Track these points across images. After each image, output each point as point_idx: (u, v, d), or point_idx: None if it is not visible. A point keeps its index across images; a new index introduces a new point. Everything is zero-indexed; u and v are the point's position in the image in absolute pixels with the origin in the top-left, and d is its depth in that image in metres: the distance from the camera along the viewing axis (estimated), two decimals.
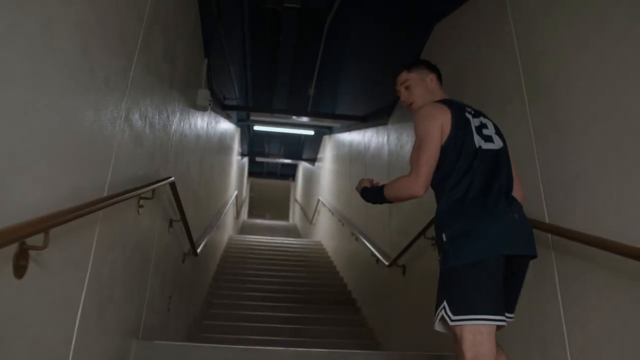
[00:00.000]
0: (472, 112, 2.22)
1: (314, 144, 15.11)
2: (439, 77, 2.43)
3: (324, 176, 12.60)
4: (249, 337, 5.67)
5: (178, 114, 4.02)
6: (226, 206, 9.40)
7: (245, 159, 17.41)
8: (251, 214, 25.46)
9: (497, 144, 2.16)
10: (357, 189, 2.48)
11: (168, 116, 3.64)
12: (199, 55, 5.00)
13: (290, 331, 5.98)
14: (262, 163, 20.60)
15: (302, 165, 19.02)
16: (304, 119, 8.75)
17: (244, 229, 16.47)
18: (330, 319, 6.48)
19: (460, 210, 2.00)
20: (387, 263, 5.34)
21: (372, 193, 2.34)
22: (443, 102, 2.20)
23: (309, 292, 7.54)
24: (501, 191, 2.05)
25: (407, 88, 2.38)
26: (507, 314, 1.99)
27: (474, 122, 2.16)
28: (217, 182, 7.57)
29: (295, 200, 21.05)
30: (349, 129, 9.14)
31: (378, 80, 6.97)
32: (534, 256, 2.06)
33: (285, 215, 25.73)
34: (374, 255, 6.09)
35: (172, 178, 3.57)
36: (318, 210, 12.78)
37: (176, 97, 3.92)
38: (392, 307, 5.34)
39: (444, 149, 2.07)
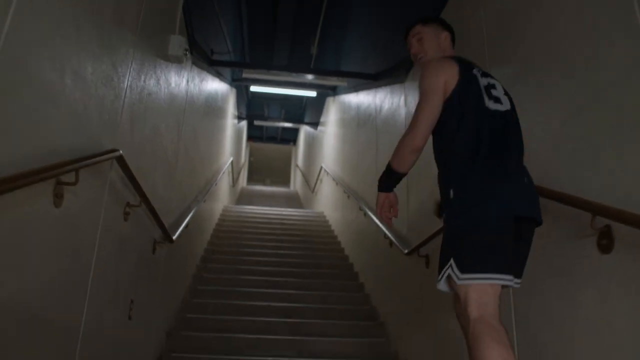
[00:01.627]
0: (480, 71, 2.14)
1: (317, 106, 14.08)
2: (453, 37, 2.37)
3: (327, 142, 11.59)
4: (240, 336, 4.78)
5: (134, 65, 3.01)
6: (218, 175, 8.44)
7: (244, 123, 16.39)
8: (251, 179, 24.58)
9: (505, 105, 2.09)
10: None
11: (114, 66, 2.64)
12: None
13: (288, 327, 5.09)
14: (261, 127, 19.64)
15: (304, 130, 17.99)
16: (308, 77, 7.70)
17: (242, 197, 15.55)
18: (335, 311, 5.59)
19: (470, 170, 1.95)
20: (405, 250, 4.39)
21: (383, 174, 2.25)
22: (452, 57, 2.14)
23: (311, 276, 6.63)
24: (512, 152, 2.02)
25: (419, 40, 2.32)
26: (515, 279, 1.97)
27: (482, 82, 2.08)
28: (204, 149, 6.59)
29: (297, 166, 20.07)
30: (355, 89, 8.10)
31: (393, 33, 5.93)
32: (540, 222, 2.03)
33: (286, 181, 24.82)
34: (387, 238, 5.16)
35: (120, 151, 2.60)
36: (320, 179, 11.82)
37: (129, 41, 2.91)
38: (412, 306, 4.42)
39: (448, 106, 2.01)
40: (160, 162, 3.91)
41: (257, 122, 16.55)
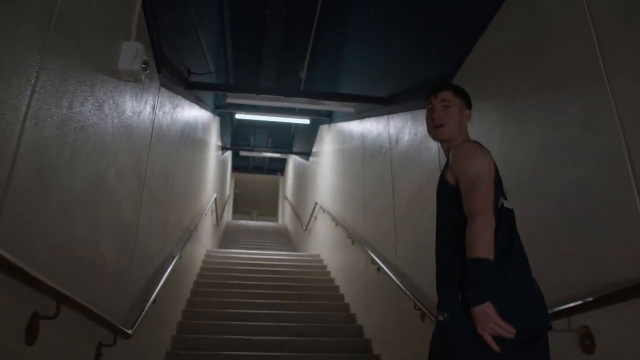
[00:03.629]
0: None
1: (308, 135, 12.92)
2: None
3: (322, 175, 10.37)
4: None
5: (44, 82, 1.78)
6: (200, 217, 7.18)
7: (228, 153, 15.16)
8: (236, 211, 23.29)
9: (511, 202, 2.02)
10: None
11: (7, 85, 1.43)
12: None
13: None
14: (247, 157, 18.49)
15: (293, 160, 16.81)
16: (301, 102, 6.49)
17: (226, 235, 14.23)
18: None
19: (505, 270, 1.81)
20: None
21: (475, 280, 1.71)
22: (482, 146, 2.05)
23: (313, 344, 5.36)
24: (521, 256, 1.92)
25: (445, 107, 2.10)
26: None
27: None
28: (180, 191, 5.35)
29: (285, 197, 18.82)
30: (359, 116, 6.93)
31: (414, 49, 4.79)
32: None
33: (273, 213, 23.55)
34: (418, 309, 3.94)
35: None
36: (315, 216, 10.57)
37: (31, 42, 1.69)
38: None
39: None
40: (107, 228, 2.68)
41: (243, 153, 15.36)
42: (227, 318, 6.05)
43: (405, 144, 4.79)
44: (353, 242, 6.46)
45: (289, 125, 15.32)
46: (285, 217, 19.12)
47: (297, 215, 14.10)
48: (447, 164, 2.04)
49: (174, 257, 4.89)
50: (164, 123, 4.12)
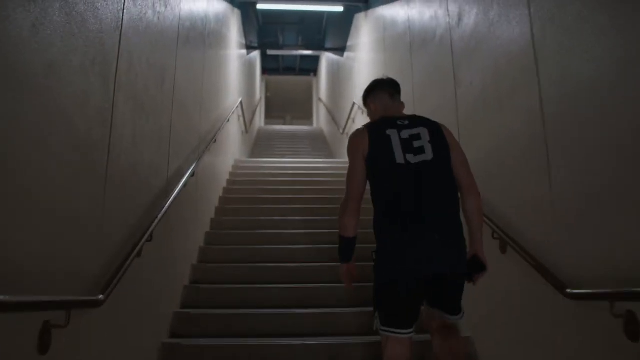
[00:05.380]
0: (406, 123, 2.36)
1: (341, 28, 11.60)
2: (394, 90, 2.69)
3: (359, 72, 9.17)
4: None
5: None
6: (219, 125, 6.22)
7: (256, 54, 13.96)
8: (269, 116, 22.33)
9: (428, 154, 2.23)
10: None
11: None
12: None
13: None
14: (277, 57, 17.27)
15: (326, 57, 15.51)
16: None
17: (259, 141, 13.36)
18: None
19: (377, 227, 2.29)
20: (568, 290, 2.20)
21: (339, 248, 2.54)
22: (369, 124, 2.46)
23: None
24: (417, 209, 2.16)
25: (369, 112, 2.73)
26: (449, 316, 2.36)
27: (402, 135, 2.28)
28: (188, 96, 4.35)
29: (319, 99, 17.66)
30: None
31: None
32: (461, 273, 2.25)
33: (308, 116, 22.49)
34: (497, 237, 3.00)
35: None
36: (352, 118, 9.50)
37: None
38: None
39: (367, 170, 2.31)
40: (43, 151, 1.73)
41: (271, 52, 14.17)
42: (255, 241, 5.24)
43: (471, 23, 3.62)
44: None
45: (320, 19, 13.93)
46: (320, 120, 18.06)
47: (333, 118, 13.02)
48: None
49: (184, 175, 4.00)
50: (150, 8, 3.05)
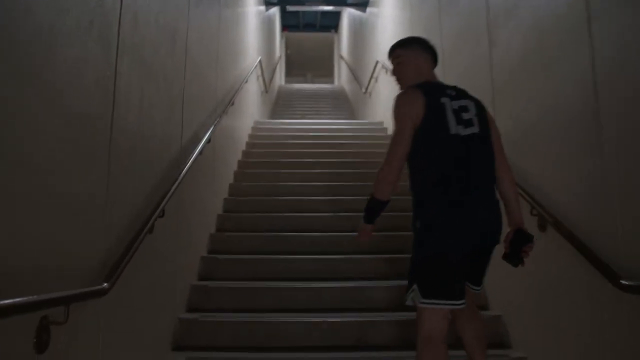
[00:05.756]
0: (454, 93, 2.26)
1: None
2: (435, 59, 2.47)
3: (383, 28, 8.77)
4: None
5: None
6: (237, 86, 5.97)
7: (275, 10, 13.54)
8: (290, 73, 21.96)
9: (475, 127, 2.18)
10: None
11: None
12: None
13: None
14: (297, 13, 16.78)
15: (348, 13, 15.00)
16: None
17: (279, 100, 13.09)
18: None
19: (426, 197, 2.17)
20: (623, 281, 1.97)
21: (366, 205, 2.38)
22: (421, 86, 2.23)
23: (386, 244, 4.31)
24: (467, 181, 2.12)
25: (398, 64, 2.43)
26: (473, 287, 2.30)
27: (452, 105, 2.18)
28: (203, 56, 4.11)
29: (341, 57, 17.19)
30: None
31: None
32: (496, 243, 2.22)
33: (329, 74, 22.04)
34: (536, 214, 2.77)
35: None
36: (375, 77, 9.16)
37: None
38: None
39: (416, 135, 2.14)
40: (37, 127, 1.53)
41: (290, 8, 13.71)
42: (276, 209, 5.06)
43: None
44: None
45: None
46: (341, 78, 17.65)
47: (354, 76, 12.64)
48: None
49: (200, 141, 3.80)
50: None
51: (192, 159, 3.46)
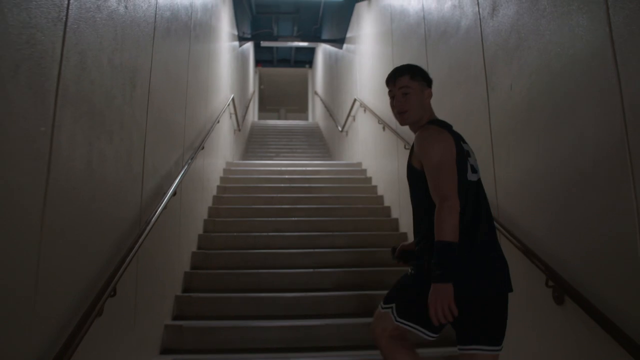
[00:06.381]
0: (462, 139, 2.16)
1: (340, 18, 10.93)
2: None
3: (361, 66, 8.46)
4: None
5: None
6: (209, 126, 5.55)
7: (249, 45, 13.25)
8: (263, 109, 21.66)
9: (479, 173, 2.15)
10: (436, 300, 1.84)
11: None
12: None
13: None
14: (271, 49, 16.59)
15: (322, 48, 14.80)
16: None
17: (252, 138, 12.69)
18: None
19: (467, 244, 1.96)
20: None
21: (439, 260, 1.86)
22: (443, 126, 2.13)
23: (366, 301, 3.88)
24: (487, 229, 2.04)
25: (404, 95, 2.19)
26: (492, 347, 1.94)
27: (465, 148, 2.12)
28: (168, 100, 3.68)
29: (315, 92, 16.94)
30: None
31: None
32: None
33: (303, 109, 21.82)
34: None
35: None
36: (353, 115, 8.83)
37: None
38: None
39: None
40: None
41: (264, 43, 13.45)
42: (250, 263, 4.60)
43: (512, 13, 2.97)
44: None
45: (317, 8, 13.25)
46: (316, 114, 17.35)
47: (330, 113, 12.33)
48: (412, 149, 2.12)
49: (165, 194, 3.34)
50: None
51: (155, 216, 3.00)
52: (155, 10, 3.20)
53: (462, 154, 2.05)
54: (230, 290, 4.17)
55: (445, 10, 4.15)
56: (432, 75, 4.41)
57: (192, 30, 4.56)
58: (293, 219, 5.52)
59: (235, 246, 4.94)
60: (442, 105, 4.10)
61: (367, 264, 4.63)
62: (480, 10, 3.42)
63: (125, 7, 2.58)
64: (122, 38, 2.52)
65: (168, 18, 3.57)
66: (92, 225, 2.16)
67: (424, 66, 4.69)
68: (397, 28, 5.85)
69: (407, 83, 2.18)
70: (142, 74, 2.92)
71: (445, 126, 2.13)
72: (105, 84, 2.30)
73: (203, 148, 4.94)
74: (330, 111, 12.44)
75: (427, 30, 4.62)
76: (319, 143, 12.97)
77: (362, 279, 4.38)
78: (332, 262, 4.59)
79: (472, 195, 2.04)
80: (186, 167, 4.06)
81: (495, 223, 2.19)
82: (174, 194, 3.54)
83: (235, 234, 5.15)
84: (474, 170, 2.10)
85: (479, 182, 2.11)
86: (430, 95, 2.23)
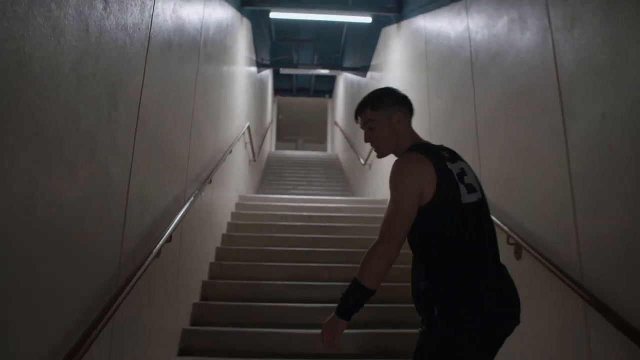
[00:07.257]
0: (447, 155, 1.92)
1: (364, 45, 10.39)
2: (410, 110, 2.03)
3: None
4: None
5: None
6: (219, 157, 4.93)
7: (267, 72, 12.75)
8: (280, 138, 21.18)
9: (478, 193, 1.88)
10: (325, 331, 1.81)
11: None
12: None
13: None
14: (290, 76, 16.12)
15: (344, 77, 14.26)
16: None
17: (268, 169, 12.08)
18: None
19: (444, 279, 1.76)
20: None
21: (346, 295, 1.80)
22: (420, 150, 1.88)
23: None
24: (488, 255, 1.81)
25: (371, 129, 1.99)
26: None
27: (455, 170, 1.86)
28: (170, 125, 3.05)
29: (335, 123, 16.35)
30: (452, 5, 4.39)
31: None
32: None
33: (322, 140, 21.26)
34: (513, 242, 1.65)
35: None
36: None
37: None
38: None
39: (427, 212, 1.77)
40: None
41: (284, 71, 12.94)
42: (260, 320, 3.91)
43: (600, 22, 2.31)
44: None
45: (338, 35, 12.76)
46: (335, 145, 16.73)
47: (350, 144, 11.69)
48: None
49: (156, 241, 2.68)
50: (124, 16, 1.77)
51: (141, 271, 2.34)
52: (152, 15, 2.59)
53: (448, 177, 1.81)
54: (237, 354, 3.47)
55: (498, 27, 3.51)
56: (480, 102, 3.77)
57: (201, 47, 3.96)
58: (312, 264, 4.83)
59: (246, 297, 4.24)
60: (494, 140, 3.43)
61: (398, 323, 3.92)
62: (553, 23, 2.76)
63: (105, 3, 1.96)
64: (96, 41, 1.90)
65: (169, 28, 2.96)
66: (35, 299, 1.50)
67: (469, 92, 4.07)
68: (434, 51, 5.22)
69: (369, 116, 1.99)
70: (129, 90, 2.29)
71: (427, 151, 1.88)
72: (65, 99, 1.66)
73: (211, 182, 4.29)
74: (351, 142, 11.80)
75: (473, 51, 3.97)
76: (338, 176, 12.31)
77: (396, 343, 3.66)
78: (355, 320, 3.86)
79: (470, 218, 1.80)
80: (188, 204, 3.41)
81: None
82: (169, 239, 2.87)
83: (245, 281, 4.46)
84: (472, 190, 1.85)
85: (480, 203, 1.86)
86: (402, 117, 1.98)
